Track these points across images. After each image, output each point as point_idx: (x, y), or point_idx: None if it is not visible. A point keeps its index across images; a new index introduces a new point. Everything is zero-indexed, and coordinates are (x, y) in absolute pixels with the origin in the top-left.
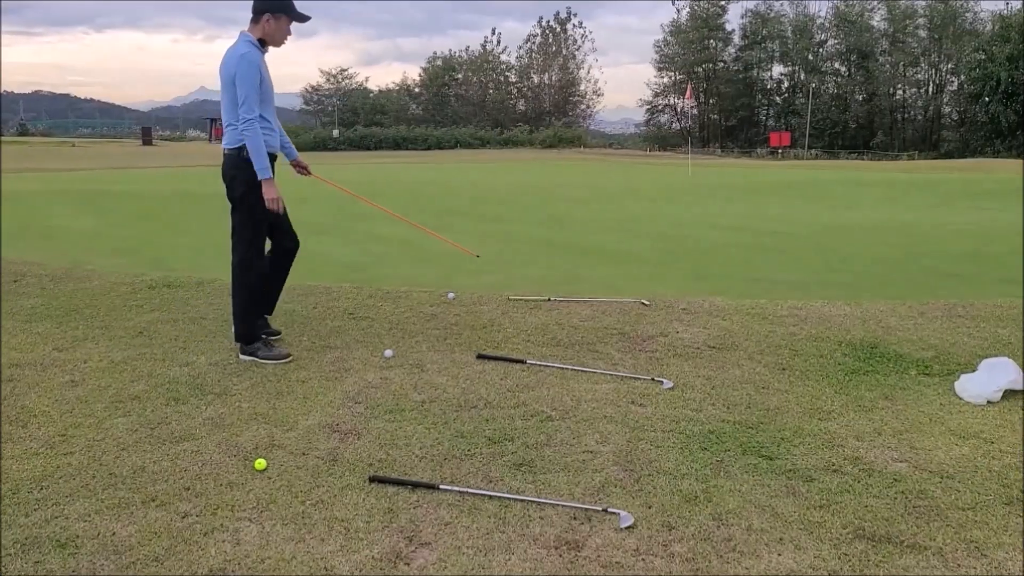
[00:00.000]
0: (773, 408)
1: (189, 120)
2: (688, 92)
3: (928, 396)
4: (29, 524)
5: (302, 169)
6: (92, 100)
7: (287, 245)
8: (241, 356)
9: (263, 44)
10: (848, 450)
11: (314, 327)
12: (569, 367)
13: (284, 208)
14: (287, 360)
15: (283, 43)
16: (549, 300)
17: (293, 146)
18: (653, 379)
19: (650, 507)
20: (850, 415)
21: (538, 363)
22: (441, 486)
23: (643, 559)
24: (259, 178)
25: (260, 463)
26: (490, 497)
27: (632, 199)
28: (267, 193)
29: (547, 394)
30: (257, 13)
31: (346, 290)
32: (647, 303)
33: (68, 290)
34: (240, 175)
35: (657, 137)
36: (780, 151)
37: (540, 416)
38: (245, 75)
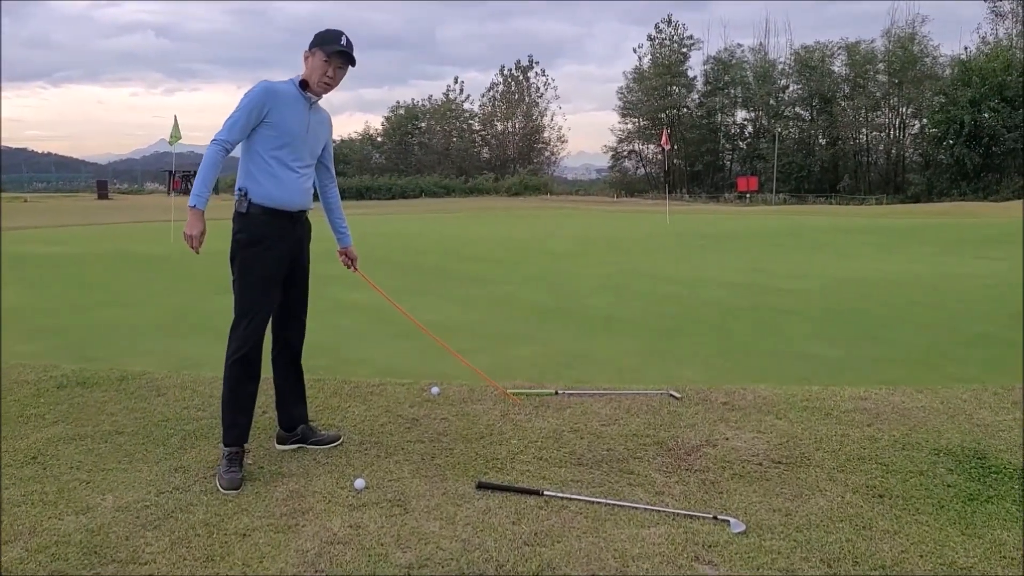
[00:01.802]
0: (891, 564)
1: (148, 173)
2: (664, 138)
3: None
4: None
5: (348, 262)
6: (50, 154)
7: (288, 335)
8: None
9: (305, 87)
10: None
11: (263, 442)
12: (602, 501)
13: (302, 288)
14: (233, 492)
15: (322, 85)
16: (557, 394)
17: (348, 232)
18: (716, 518)
19: None
20: (998, 572)
21: (559, 495)
22: None
23: None
24: (190, 203)
25: None
26: None
27: (618, 252)
28: (188, 227)
29: (578, 548)
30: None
31: (306, 384)
32: (677, 395)
33: None
34: (237, 230)
35: (623, 183)
36: (748, 196)
37: None
38: (245, 97)
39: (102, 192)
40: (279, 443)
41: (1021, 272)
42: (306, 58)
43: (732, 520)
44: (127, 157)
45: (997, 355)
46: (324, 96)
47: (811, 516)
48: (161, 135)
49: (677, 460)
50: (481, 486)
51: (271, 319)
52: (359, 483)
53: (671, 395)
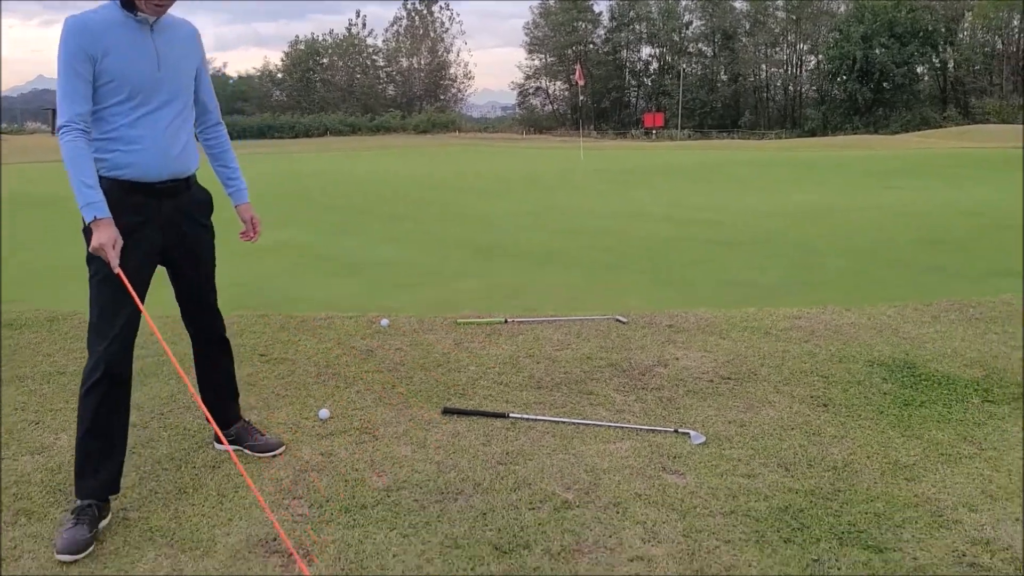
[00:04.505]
0: (841, 466)
1: (28, 111)
2: (579, 72)
3: (1013, 434)
4: None
5: (248, 229)
6: None
7: (201, 326)
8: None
9: (131, 5)
10: (969, 528)
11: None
12: (566, 420)
13: (205, 272)
14: (71, 557)
15: (151, 4)
16: (506, 322)
17: (243, 186)
18: (677, 431)
19: None
20: (939, 470)
21: (524, 416)
22: None
23: None
24: (85, 217)
25: None
26: None
27: (540, 189)
28: (95, 241)
29: (551, 464)
30: None
31: (248, 320)
32: (624, 320)
33: None
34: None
35: (530, 120)
36: (654, 132)
37: (553, 502)
38: (59, 54)
39: None
40: (216, 443)
41: (925, 200)
42: None
43: (692, 432)
44: (4, 95)
45: (913, 276)
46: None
47: (764, 426)
48: (39, 71)
49: (632, 380)
50: (447, 411)
51: (182, 317)
52: (323, 413)
53: (618, 320)
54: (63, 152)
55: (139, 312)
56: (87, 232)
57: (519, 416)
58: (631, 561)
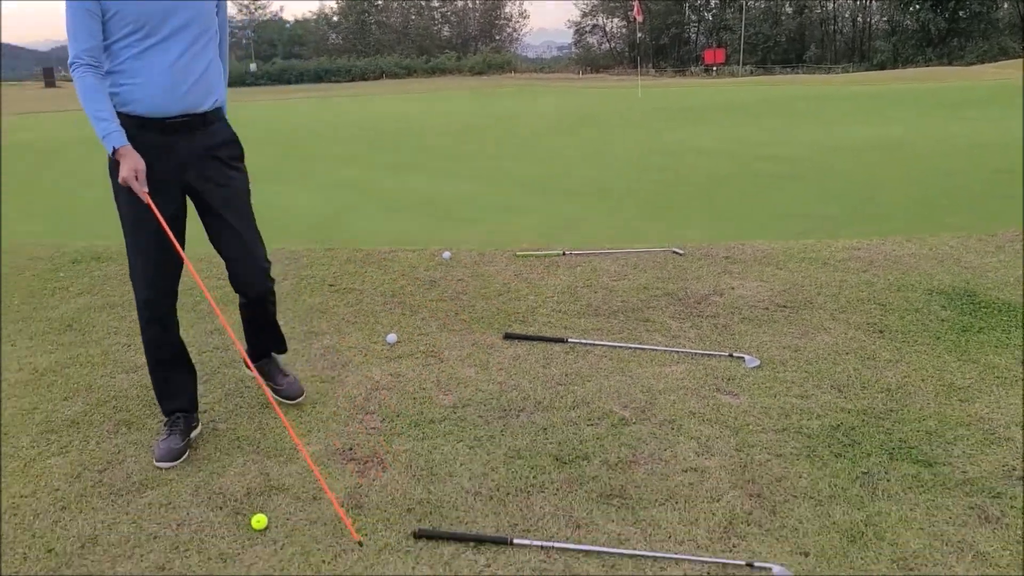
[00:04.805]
0: (895, 387)
1: (63, 62)
2: (637, 8)
3: None
4: None
5: None
6: None
7: (237, 272)
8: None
9: None
10: (1020, 445)
11: (289, 306)
12: (623, 345)
13: (234, 209)
14: (168, 464)
15: None
16: (564, 254)
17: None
18: (731, 355)
19: (806, 554)
20: (994, 392)
21: (582, 341)
22: (515, 540)
23: None
24: (106, 149)
25: (259, 520)
26: (586, 553)
27: (597, 127)
28: (121, 172)
29: (608, 385)
30: None
31: (318, 254)
32: (681, 252)
33: None
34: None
35: (587, 59)
36: (715, 68)
37: (611, 419)
38: None
39: (49, 80)
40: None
41: (999, 131)
42: None
43: (747, 357)
44: (40, 49)
45: (980, 206)
46: None
47: (819, 351)
48: None
49: (688, 308)
50: (508, 336)
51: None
52: (391, 338)
53: (675, 252)
54: (76, 89)
55: (173, 253)
56: (112, 166)
57: (577, 341)
58: (685, 472)
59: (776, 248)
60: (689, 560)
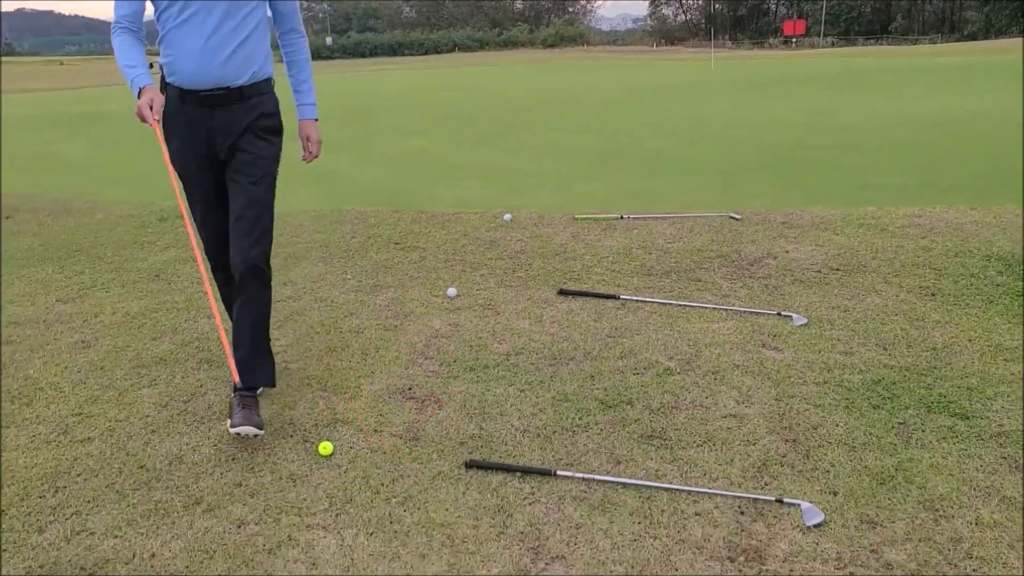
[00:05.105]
0: (941, 347)
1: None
2: None
3: None
4: (45, 544)
5: (307, 147)
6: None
7: (233, 261)
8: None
9: None
10: None
11: (357, 262)
12: (673, 302)
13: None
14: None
15: None
16: (622, 218)
17: (310, 101)
18: (779, 314)
19: (835, 493)
20: None
21: (634, 298)
22: (558, 472)
23: (852, 573)
24: (133, 93)
25: (325, 447)
26: (624, 485)
27: (667, 99)
28: (140, 104)
29: (656, 339)
30: None
31: (384, 215)
32: (738, 217)
33: (69, 226)
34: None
35: (662, 31)
36: (794, 40)
37: (656, 369)
38: None
39: None
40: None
41: None
42: None
43: (795, 315)
44: (92, 19)
45: None
46: None
47: (867, 311)
48: None
49: (740, 269)
50: (562, 292)
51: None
52: (451, 291)
53: (732, 217)
54: (113, 47)
55: (217, 217)
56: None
57: (629, 298)
58: (724, 418)
59: (835, 215)
60: (722, 495)
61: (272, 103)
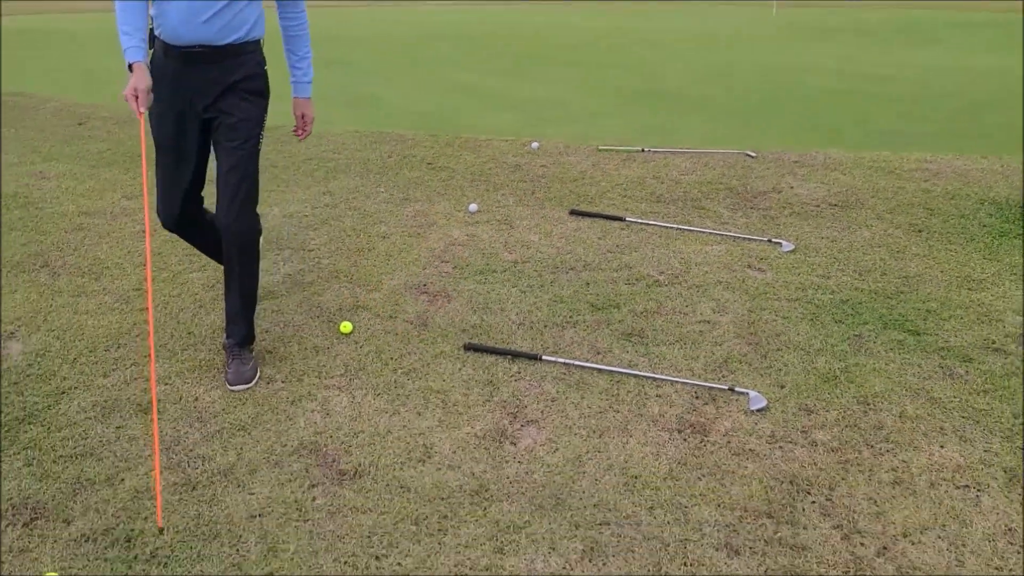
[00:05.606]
0: (913, 276)
1: None
2: None
3: None
4: (108, 385)
5: (298, 126)
6: None
7: (218, 220)
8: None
9: None
10: (1008, 326)
11: (391, 177)
12: (673, 226)
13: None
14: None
15: None
16: (643, 151)
17: (306, 79)
18: (770, 240)
19: (782, 387)
20: (1005, 285)
21: (638, 221)
22: (544, 357)
23: (781, 447)
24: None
25: (346, 326)
26: (599, 371)
27: (715, 43)
28: (129, 86)
29: (651, 256)
30: None
31: (422, 138)
32: (753, 155)
33: (135, 134)
34: None
35: None
36: None
37: (647, 280)
38: None
39: None
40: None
41: None
42: None
43: (784, 242)
44: None
45: None
46: None
47: (853, 242)
48: None
49: (744, 201)
50: (573, 212)
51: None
52: (472, 207)
53: (747, 155)
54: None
55: (179, 175)
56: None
57: (634, 220)
58: (698, 323)
59: (848, 156)
60: (682, 382)
61: (256, 63)
